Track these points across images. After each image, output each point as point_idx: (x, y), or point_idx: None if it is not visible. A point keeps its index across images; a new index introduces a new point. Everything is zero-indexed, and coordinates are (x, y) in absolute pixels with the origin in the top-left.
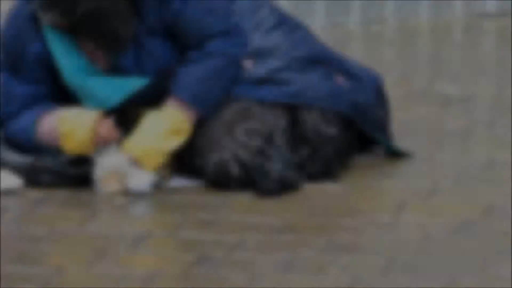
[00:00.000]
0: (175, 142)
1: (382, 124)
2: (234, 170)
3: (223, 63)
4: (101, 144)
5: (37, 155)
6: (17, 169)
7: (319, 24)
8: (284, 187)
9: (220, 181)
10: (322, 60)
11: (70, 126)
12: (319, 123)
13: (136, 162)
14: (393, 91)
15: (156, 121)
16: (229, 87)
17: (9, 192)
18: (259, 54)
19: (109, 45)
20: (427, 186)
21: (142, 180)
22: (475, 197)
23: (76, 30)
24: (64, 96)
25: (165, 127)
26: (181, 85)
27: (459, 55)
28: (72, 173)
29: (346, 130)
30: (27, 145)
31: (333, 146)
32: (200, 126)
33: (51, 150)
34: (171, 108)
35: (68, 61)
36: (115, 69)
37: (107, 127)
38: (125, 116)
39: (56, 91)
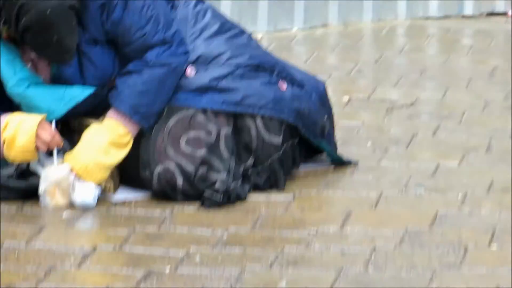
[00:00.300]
0: (117, 155)
1: (326, 132)
2: (179, 181)
3: (163, 73)
4: (44, 148)
5: None
6: None
7: (261, 29)
8: (230, 198)
9: (165, 193)
10: (265, 67)
11: (11, 132)
12: (263, 131)
13: (78, 176)
14: (336, 97)
15: (97, 134)
16: (170, 97)
17: None
18: (201, 62)
19: (54, 56)
20: (373, 196)
21: (86, 193)
22: (421, 206)
23: (20, 40)
24: (10, 106)
25: (106, 140)
26: (120, 97)
27: (402, 59)
28: (18, 187)
29: (290, 138)
30: None
31: (277, 155)
32: (143, 136)
33: None
34: (111, 120)
35: (10, 71)
36: (58, 79)
37: (49, 130)
38: (68, 126)
39: (1, 101)
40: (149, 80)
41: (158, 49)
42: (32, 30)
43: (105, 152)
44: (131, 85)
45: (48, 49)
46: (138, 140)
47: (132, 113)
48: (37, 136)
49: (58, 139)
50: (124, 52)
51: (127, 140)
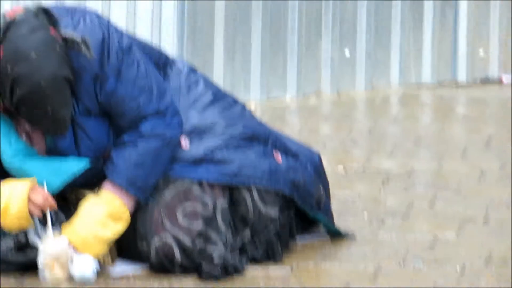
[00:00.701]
0: (115, 228)
1: (322, 203)
2: (177, 254)
3: (157, 144)
4: (37, 212)
5: None
6: None
7: (255, 97)
8: (227, 271)
9: (163, 266)
10: (260, 137)
11: (4, 200)
12: (259, 203)
13: (76, 249)
14: (331, 167)
15: (94, 207)
16: (166, 168)
17: None
18: (196, 133)
19: (49, 128)
20: (371, 268)
21: (85, 267)
22: (420, 279)
23: (16, 112)
24: (4, 174)
25: (104, 213)
26: (116, 169)
27: (396, 128)
28: (17, 260)
29: (286, 210)
30: None
31: (274, 227)
32: (140, 209)
33: None
34: (108, 193)
35: (5, 143)
36: (53, 150)
37: (41, 193)
38: (64, 198)
39: None
40: (144, 152)
41: (152, 120)
42: (26, 102)
43: (103, 225)
44: (127, 158)
45: (43, 121)
46: (135, 212)
47: (128, 186)
48: (29, 200)
49: (51, 201)
50: (118, 123)
51: (125, 213)
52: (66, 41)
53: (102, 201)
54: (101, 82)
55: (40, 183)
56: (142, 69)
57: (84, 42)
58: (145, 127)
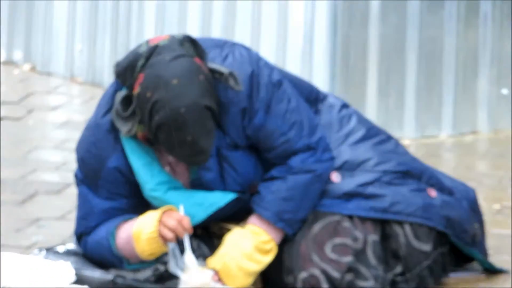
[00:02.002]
0: (261, 261)
1: (477, 240)
2: (324, 287)
3: (307, 180)
4: (170, 236)
5: (117, 270)
6: (96, 287)
7: (408, 135)
8: None
9: None
10: (413, 173)
11: (138, 225)
12: (412, 238)
13: (221, 281)
14: (487, 205)
15: (241, 239)
16: (315, 203)
17: None
18: (347, 168)
19: (188, 157)
20: None
21: None
22: None
23: (154, 140)
24: (146, 210)
25: (251, 245)
26: (264, 203)
27: None
28: None
29: (440, 245)
30: (107, 257)
31: (427, 262)
32: (287, 242)
33: (132, 263)
34: (254, 227)
35: (148, 174)
36: (197, 183)
37: (174, 216)
38: (208, 231)
39: (137, 204)
40: (294, 186)
41: (302, 155)
42: (165, 129)
43: (249, 258)
44: (275, 192)
45: (181, 149)
46: (281, 245)
47: (276, 220)
48: (161, 223)
49: (186, 225)
50: (266, 157)
51: (272, 247)
52: (212, 72)
53: (249, 234)
54: (249, 116)
55: (184, 215)
56: (293, 103)
57: (232, 75)
58: (295, 162)
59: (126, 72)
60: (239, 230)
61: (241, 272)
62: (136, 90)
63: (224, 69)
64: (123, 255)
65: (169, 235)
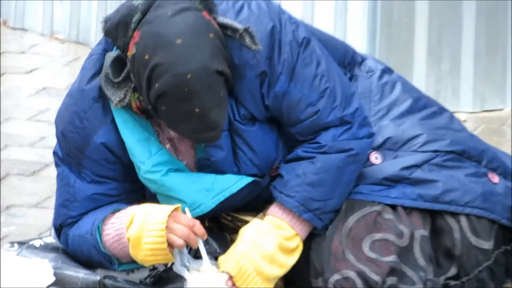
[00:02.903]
0: (285, 264)
1: None
2: None
3: (341, 161)
4: (180, 245)
5: (105, 269)
6: None
7: (465, 108)
8: None
9: None
10: (471, 155)
11: (136, 229)
12: (469, 234)
13: (235, 286)
14: None
15: (261, 236)
16: (350, 191)
17: None
18: (389, 147)
19: (196, 134)
20: None
21: None
22: None
23: (153, 112)
24: (140, 195)
25: (273, 245)
26: (287, 190)
27: None
28: None
29: (503, 243)
30: (92, 255)
31: (487, 263)
32: (316, 238)
33: (124, 263)
34: (276, 220)
35: (144, 153)
36: (205, 165)
37: (184, 221)
38: (218, 224)
39: (129, 190)
40: (324, 169)
41: (334, 131)
42: (166, 100)
43: (270, 260)
44: (301, 175)
45: (188, 123)
46: (309, 242)
47: (302, 211)
48: (169, 230)
49: (199, 230)
50: (290, 133)
51: (296, 244)
52: (224, 29)
53: (269, 229)
54: (269, 82)
55: (187, 202)
56: (323, 67)
57: (248, 32)
58: (326, 139)
59: (117, 29)
60: (258, 223)
61: (260, 276)
62: (131, 51)
63: (238, 25)
64: (113, 254)
65: (179, 242)
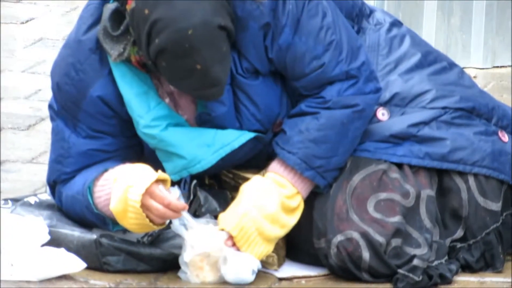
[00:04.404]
0: (285, 223)
1: None
2: (365, 255)
3: (346, 116)
4: (159, 221)
5: (101, 229)
6: (76, 249)
7: (476, 63)
8: (431, 279)
9: (346, 270)
10: (481, 112)
11: (117, 201)
12: (477, 194)
13: (235, 246)
14: None
15: (261, 196)
16: (355, 147)
17: (69, 278)
18: (397, 103)
19: (197, 91)
20: None
21: (243, 269)
22: None
23: (153, 67)
24: (136, 152)
25: (275, 204)
26: (289, 146)
27: None
28: (147, 254)
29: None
30: (86, 216)
31: (495, 226)
32: (319, 197)
33: (119, 224)
34: (278, 177)
35: (142, 107)
36: (205, 119)
37: (159, 197)
38: (219, 180)
39: (125, 145)
40: (328, 125)
41: (339, 85)
42: (167, 55)
43: (272, 220)
44: (304, 131)
45: (189, 80)
46: (311, 201)
47: (303, 168)
48: (146, 208)
49: (176, 207)
50: (294, 87)
51: (297, 203)
52: None
53: (270, 187)
54: (273, 34)
55: (187, 158)
56: (329, 18)
57: None
58: (331, 93)
59: None
60: (258, 182)
61: (261, 236)
62: (130, 4)
63: None
64: (106, 215)
65: (158, 221)
